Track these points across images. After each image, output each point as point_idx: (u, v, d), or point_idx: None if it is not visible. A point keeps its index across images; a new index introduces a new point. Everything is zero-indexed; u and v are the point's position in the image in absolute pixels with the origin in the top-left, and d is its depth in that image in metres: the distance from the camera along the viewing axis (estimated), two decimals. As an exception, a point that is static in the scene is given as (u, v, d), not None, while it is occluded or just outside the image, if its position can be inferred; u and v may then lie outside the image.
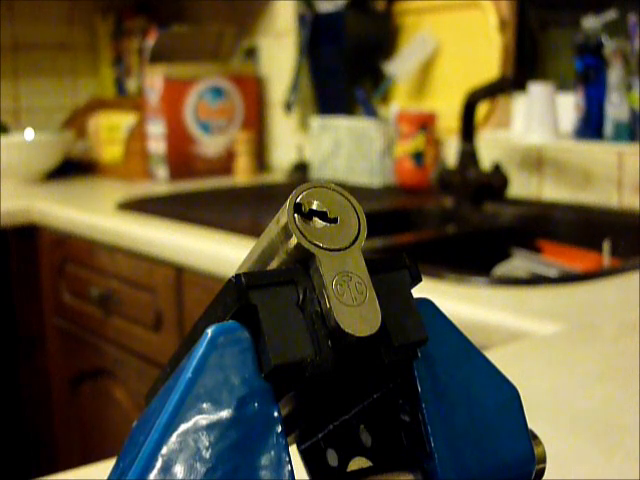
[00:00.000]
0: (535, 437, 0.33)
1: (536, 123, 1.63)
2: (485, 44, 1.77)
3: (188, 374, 0.28)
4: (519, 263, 1.35)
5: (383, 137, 1.81)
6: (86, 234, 1.68)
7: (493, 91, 1.59)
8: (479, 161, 1.54)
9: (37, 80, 2.44)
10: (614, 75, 1.48)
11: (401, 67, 1.91)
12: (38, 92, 2.44)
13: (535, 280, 1.13)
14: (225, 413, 0.28)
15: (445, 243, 1.43)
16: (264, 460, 0.28)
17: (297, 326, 0.29)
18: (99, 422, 1.75)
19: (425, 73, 1.92)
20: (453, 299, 0.97)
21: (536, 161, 1.61)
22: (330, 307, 0.28)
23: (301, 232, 0.29)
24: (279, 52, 2.20)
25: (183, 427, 0.27)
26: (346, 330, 0.28)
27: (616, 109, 1.49)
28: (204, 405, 0.28)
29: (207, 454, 0.27)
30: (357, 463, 0.35)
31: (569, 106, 1.62)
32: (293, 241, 0.29)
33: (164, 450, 0.27)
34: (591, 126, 1.54)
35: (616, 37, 1.49)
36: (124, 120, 2.17)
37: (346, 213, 0.30)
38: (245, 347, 0.29)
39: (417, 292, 0.32)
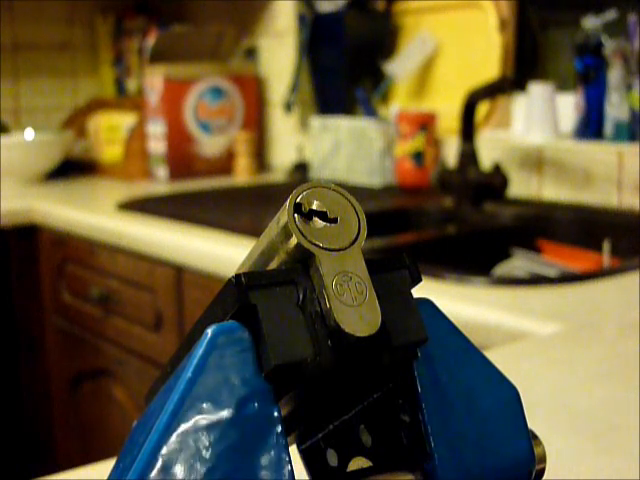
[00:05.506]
0: (535, 437, 0.33)
1: (536, 123, 1.63)
2: (485, 44, 1.77)
3: (188, 374, 0.28)
4: (519, 263, 1.35)
5: (383, 137, 1.81)
6: (86, 234, 1.68)
7: (493, 91, 1.59)
8: (479, 161, 1.54)
9: (37, 80, 2.44)
10: (614, 75, 1.48)
11: (401, 67, 1.91)
12: (38, 92, 2.44)
13: (535, 280, 1.13)
14: (225, 413, 0.28)
15: (445, 243, 1.43)
16: (264, 460, 0.28)
17: (297, 326, 0.29)
18: (99, 422, 1.75)
19: (425, 73, 1.92)
20: (453, 299, 0.97)
21: (536, 161, 1.60)
22: (330, 307, 0.28)
23: (301, 232, 0.29)
24: (279, 52, 2.20)
25: (183, 427, 0.27)
26: (346, 330, 0.28)
27: (616, 109, 1.49)
28: (204, 405, 0.28)
29: (207, 454, 0.27)
30: (357, 463, 0.35)
31: (569, 106, 1.62)
32: (293, 241, 0.29)
33: (164, 450, 0.27)
34: (591, 126, 1.54)
35: (616, 37, 1.49)
36: (124, 120, 2.17)
37: (346, 213, 0.30)
38: (245, 347, 0.29)
39: (417, 292, 0.32)
